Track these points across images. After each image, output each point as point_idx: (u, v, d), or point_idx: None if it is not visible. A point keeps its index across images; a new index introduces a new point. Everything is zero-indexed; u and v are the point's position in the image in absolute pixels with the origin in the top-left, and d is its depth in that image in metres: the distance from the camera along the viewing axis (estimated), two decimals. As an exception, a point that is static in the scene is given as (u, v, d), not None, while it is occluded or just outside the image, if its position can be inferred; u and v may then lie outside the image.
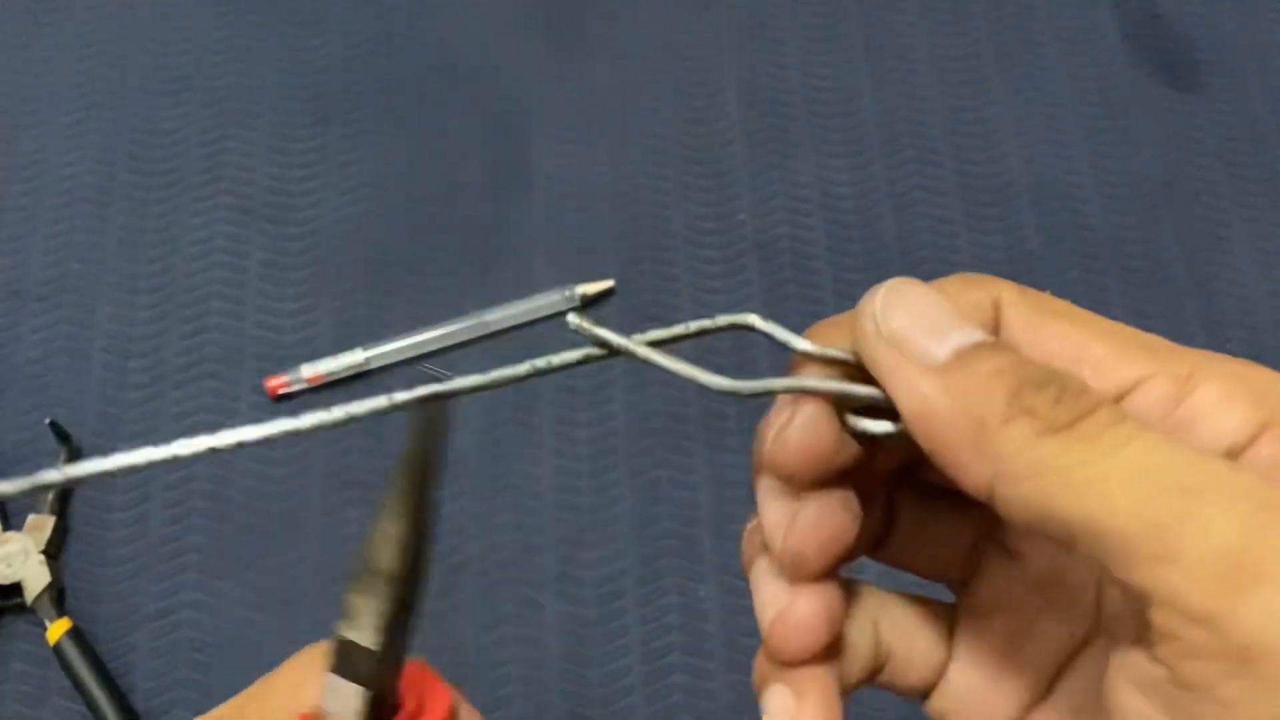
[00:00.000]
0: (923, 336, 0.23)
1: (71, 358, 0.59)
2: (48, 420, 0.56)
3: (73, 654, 0.51)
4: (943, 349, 0.23)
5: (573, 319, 0.27)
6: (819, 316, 0.68)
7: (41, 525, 0.54)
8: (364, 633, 0.28)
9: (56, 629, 0.52)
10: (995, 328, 0.25)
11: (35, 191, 0.64)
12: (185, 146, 0.65)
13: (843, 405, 0.26)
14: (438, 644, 0.51)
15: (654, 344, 0.27)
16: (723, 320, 0.27)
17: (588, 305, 0.60)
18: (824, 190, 0.65)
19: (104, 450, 0.57)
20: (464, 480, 0.57)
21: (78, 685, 0.51)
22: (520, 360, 0.27)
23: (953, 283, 0.25)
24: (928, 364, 0.23)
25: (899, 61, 0.70)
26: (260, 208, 0.63)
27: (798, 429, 0.25)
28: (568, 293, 0.60)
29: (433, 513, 0.29)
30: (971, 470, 0.22)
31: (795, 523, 0.26)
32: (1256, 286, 0.63)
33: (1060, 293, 0.57)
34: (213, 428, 0.63)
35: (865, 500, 0.28)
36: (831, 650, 0.27)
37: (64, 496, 0.55)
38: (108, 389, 0.58)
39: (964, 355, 0.23)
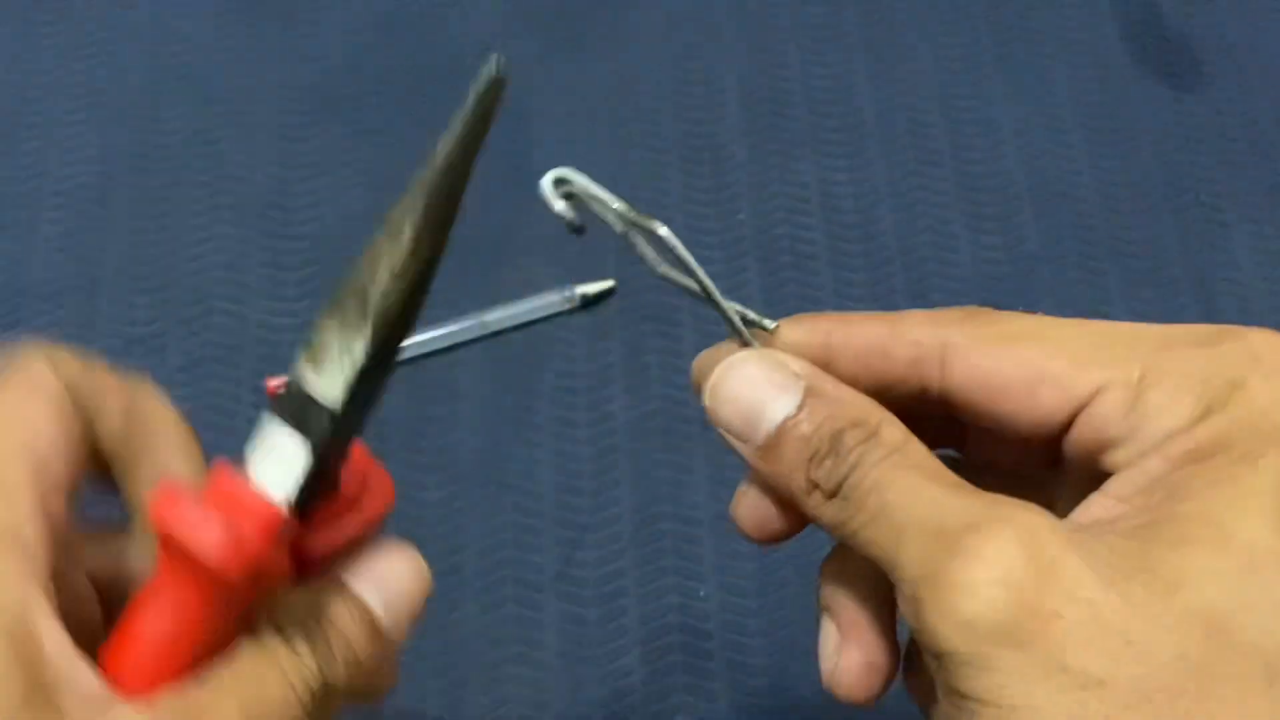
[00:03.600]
0: (741, 427, 0.29)
1: (71, 358, 0.59)
2: (48, 420, 0.56)
3: (73, 654, 0.51)
4: (758, 435, 0.28)
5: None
6: (819, 316, 0.67)
7: (41, 525, 0.54)
8: (331, 381, 0.24)
9: (56, 629, 0.52)
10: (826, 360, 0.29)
11: (35, 191, 0.64)
12: (185, 146, 0.65)
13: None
14: (436, 644, 0.52)
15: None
16: (739, 313, 0.30)
17: (587, 305, 0.60)
18: (824, 190, 0.65)
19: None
20: (463, 481, 0.56)
21: (78, 685, 0.51)
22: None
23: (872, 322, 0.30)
24: (750, 451, 0.29)
25: (899, 61, 0.69)
26: (260, 208, 0.63)
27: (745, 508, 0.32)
28: (568, 293, 0.60)
29: (448, 240, 0.24)
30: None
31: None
32: (1256, 286, 0.63)
33: (1060, 293, 0.58)
34: (213, 428, 0.63)
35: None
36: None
37: (64, 496, 0.55)
38: (108, 389, 0.58)
39: (774, 439, 0.28)
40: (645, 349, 0.60)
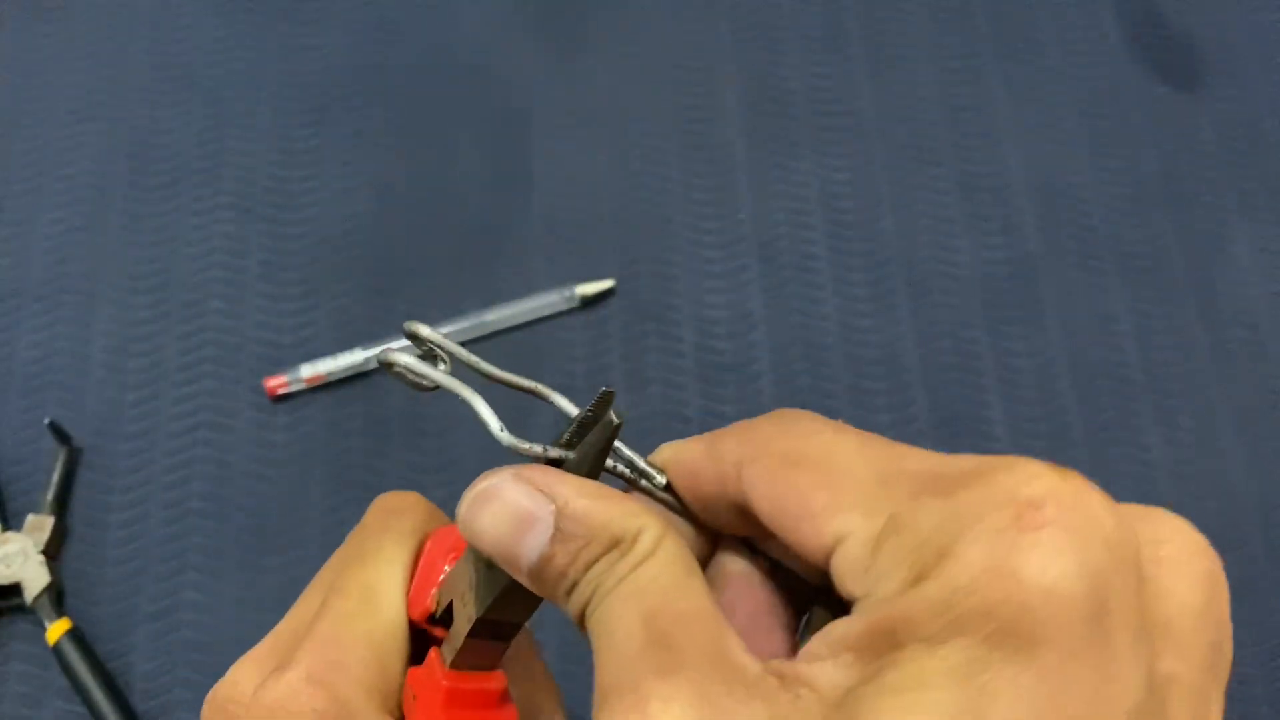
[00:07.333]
0: (504, 563, 0.27)
1: (71, 358, 0.59)
2: (47, 420, 0.56)
3: (72, 654, 0.51)
4: (530, 555, 0.26)
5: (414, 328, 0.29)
6: (819, 316, 0.67)
7: (41, 525, 0.54)
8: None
9: (56, 629, 0.52)
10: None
11: (35, 191, 0.64)
12: (185, 146, 0.65)
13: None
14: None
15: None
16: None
17: (587, 305, 0.60)
18: (824, 190, 0.65)
19: (103, 451, 0.57)
20: (464, 481, 0.56)
21: (77, 686, 0.51)
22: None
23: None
24: (525, 574, 0.26)
25: (899, 61, 0.69)
26: (260, 208, 0.63)
27: None
28: (567, 293, 0.60)
29: None
30: None
31: None
32: (1256, 286, 0.63)
33: (1060, 293, 0.58)
34: (212, 428, 0.63)
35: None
36: None
37: (63, 497, 0.55)
38: (107, 389, 0.58)
39: (542, 562, 0.25)
40: (644, 349, 0.60)
